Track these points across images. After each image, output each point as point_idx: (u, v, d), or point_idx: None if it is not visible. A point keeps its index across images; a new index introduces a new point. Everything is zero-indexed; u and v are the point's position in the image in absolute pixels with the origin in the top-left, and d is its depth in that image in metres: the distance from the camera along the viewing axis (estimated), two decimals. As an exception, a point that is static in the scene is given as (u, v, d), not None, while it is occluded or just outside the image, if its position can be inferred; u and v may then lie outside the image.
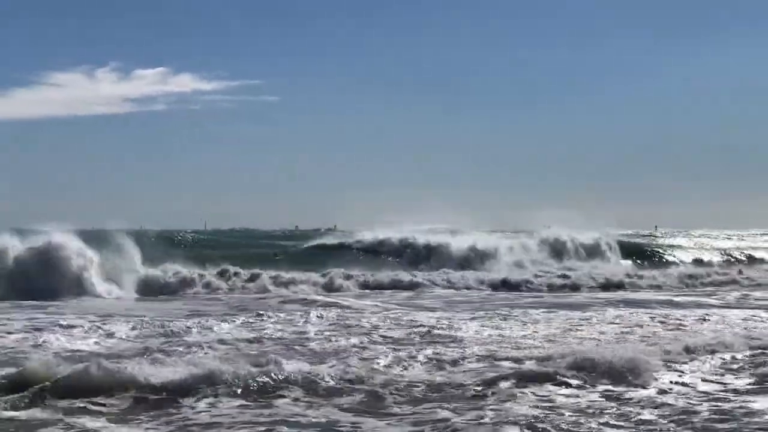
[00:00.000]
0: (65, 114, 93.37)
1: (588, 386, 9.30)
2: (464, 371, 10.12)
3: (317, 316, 16.17)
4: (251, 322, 15.33)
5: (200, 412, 8.23)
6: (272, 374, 9.19)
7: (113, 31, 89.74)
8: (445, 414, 8.11)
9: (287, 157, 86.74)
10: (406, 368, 10.28)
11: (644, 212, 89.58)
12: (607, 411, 8.24)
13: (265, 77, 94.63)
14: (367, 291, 25.35)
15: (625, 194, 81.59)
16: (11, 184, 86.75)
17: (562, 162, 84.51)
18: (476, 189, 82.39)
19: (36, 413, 8.03)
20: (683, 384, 9.52)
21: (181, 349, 11.92)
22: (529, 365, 10.19)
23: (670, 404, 8.55)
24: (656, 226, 65.08)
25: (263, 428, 7.71)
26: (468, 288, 26.42)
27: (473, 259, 33.50)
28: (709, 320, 15.84)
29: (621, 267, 34.37)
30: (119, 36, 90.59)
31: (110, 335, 13.63)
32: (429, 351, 11.51)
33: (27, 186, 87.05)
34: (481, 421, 7.83)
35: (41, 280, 22.66)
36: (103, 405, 8.33)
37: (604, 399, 8.81)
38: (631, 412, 8.20)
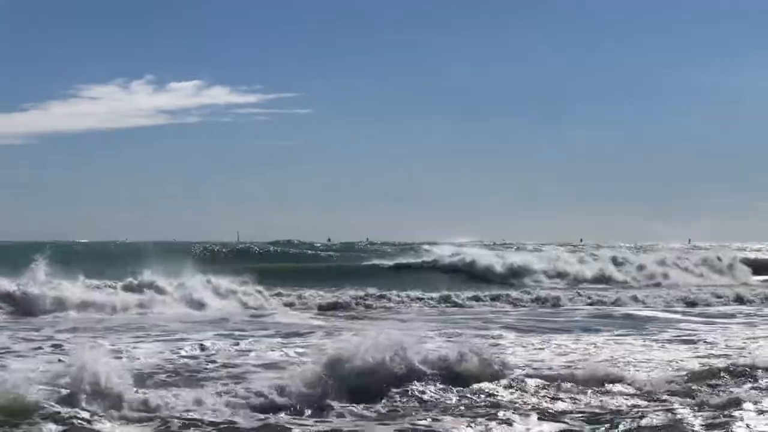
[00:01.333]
0: (101, 126, 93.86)
1: None
2: None
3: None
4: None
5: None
6: None
7: (149, 43, 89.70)
8: None
9: (318, 170, 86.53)
10: None
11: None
12: None
13: (299, 90, 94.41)
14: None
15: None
16: (47, 196, 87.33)
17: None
18: (523, 200, 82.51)
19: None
20: None
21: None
22: None
23: None
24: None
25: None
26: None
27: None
28: None
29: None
30: (154, 48, 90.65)
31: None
32: None
33: (63, 198, 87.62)
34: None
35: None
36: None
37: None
38: None
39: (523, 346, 14.15)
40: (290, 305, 23.62)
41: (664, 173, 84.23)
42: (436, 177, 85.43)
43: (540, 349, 13.88)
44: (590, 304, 25.22)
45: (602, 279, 34.95)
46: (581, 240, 60.79)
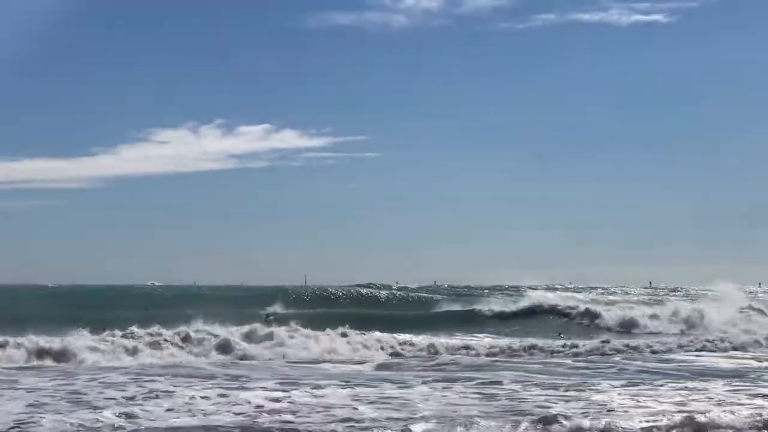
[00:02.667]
0: (170, 170, 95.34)
1: None
2: None
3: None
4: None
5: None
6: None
7: (218, 88, 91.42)
8: None
9: (384, 213, 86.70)
10: None
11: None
12: None
13: (368, 133, 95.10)
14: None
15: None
16: (120, 240, 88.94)
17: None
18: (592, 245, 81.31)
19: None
20: None
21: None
22: None
23: None
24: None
25: None
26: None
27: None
28: None
29: None
30: (224, 93, 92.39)
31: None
32: None
33: (133, 242, 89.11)
34: None
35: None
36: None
37: None
38: None
39: None
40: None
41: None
42: (498, 216, 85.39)
43: None
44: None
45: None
46: (650, 283, 60.60)
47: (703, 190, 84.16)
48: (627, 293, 49.89)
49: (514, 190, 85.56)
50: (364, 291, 44.95)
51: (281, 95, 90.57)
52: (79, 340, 21.63)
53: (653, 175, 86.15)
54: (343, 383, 16.13)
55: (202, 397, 13.87)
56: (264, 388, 15.25)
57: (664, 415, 12.09)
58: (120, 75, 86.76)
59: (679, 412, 12.40)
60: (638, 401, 13.76)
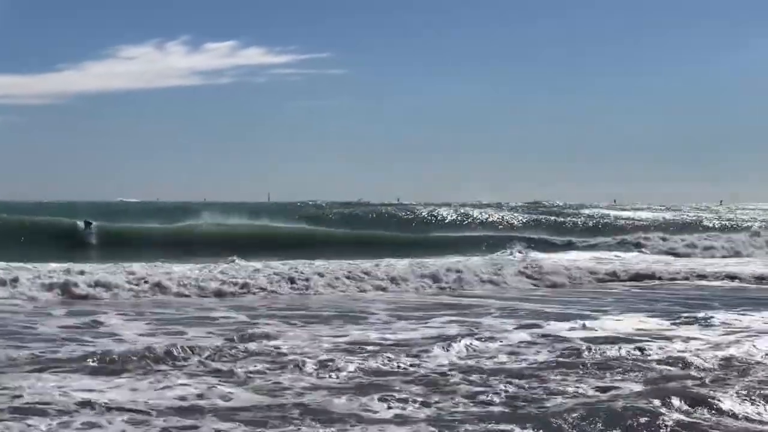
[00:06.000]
0: (135, 86, 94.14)
1: None
2: None
3: None
4: None
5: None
6: None
7: (184, 4, 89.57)
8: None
9: (348, 131, 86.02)
10: None
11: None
12: None
13: (333, 50, 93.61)
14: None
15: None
16: (83, 155, 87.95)
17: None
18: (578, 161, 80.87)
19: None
20: None
21: None
22: None
23: None
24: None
25: None
26: None
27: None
28: None
29: None
30: (190, 9, 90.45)
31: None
32: None
33: (97, 157, 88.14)
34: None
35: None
36: None
37: None
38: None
39: None
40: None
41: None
42: (468, 133, 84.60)
43: None
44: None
45: None
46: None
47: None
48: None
49: (481, 103, 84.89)
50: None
51: (248, 12, 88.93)
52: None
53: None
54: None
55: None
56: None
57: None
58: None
59: None
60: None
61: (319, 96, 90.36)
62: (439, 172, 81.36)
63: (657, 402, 6.92)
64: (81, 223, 28.89)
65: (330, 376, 8.42)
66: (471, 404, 7.30)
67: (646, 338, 10.80)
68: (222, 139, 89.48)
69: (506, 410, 7.08)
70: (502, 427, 6.41)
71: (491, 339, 10.56)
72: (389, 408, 7.14)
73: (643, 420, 6.51)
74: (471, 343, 10.11)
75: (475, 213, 43.11)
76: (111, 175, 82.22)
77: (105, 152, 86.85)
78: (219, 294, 16.45)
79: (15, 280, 15.91)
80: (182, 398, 7.43)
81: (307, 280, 17.64)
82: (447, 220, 41.73)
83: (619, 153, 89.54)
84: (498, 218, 42.07)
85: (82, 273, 16.83)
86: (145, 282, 16.66)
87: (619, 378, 8.33)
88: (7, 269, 16.99)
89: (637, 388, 7.85)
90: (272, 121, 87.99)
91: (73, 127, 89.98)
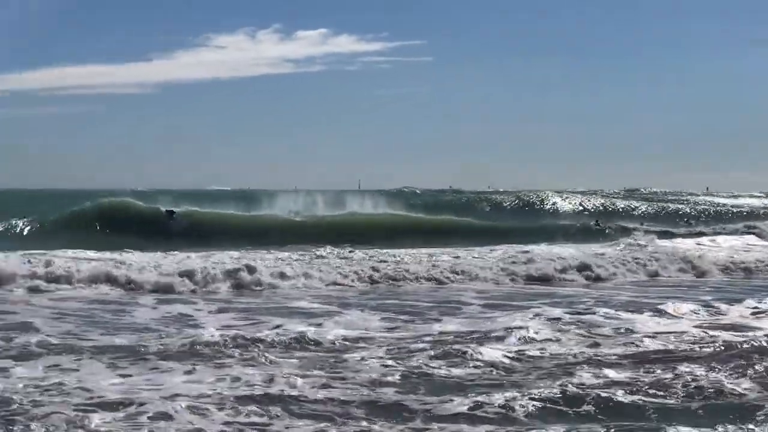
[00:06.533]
0: (226, 75, 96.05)
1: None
2: None
3: None
4: None
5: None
6: None
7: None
8: None
9: (440, 118, 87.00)
10: None
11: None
12: None
13: (424, 37, 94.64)
14: None
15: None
16: (177, 145, 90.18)
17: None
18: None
19: None
20: None
21: None
22: None
23: None
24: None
25: None
26: None
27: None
28: None
29: None
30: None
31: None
32: None
33: (188, 146, 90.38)
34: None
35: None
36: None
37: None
38: None
39: None
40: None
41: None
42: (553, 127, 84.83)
43: None
44: None
45: None
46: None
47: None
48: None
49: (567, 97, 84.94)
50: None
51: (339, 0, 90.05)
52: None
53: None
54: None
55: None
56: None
57: None
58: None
59: None
60: None
61: (410, 83, 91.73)
62: (513, 163, 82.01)
63: None
64: (164, 210, 27.50)
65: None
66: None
67: None
68: (311, 127, 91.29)
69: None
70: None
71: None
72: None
73: None
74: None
75: (580, 200, 43.86)
76: (201, 163, 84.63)
77: (195, 141, 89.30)
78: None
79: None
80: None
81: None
82: (562, 210, 42.67)
83: (704, 141, 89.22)
84: (607, 204, 42.85)
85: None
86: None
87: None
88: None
89: None
90: (362, 109, 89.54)
91: (165, 116, 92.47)
